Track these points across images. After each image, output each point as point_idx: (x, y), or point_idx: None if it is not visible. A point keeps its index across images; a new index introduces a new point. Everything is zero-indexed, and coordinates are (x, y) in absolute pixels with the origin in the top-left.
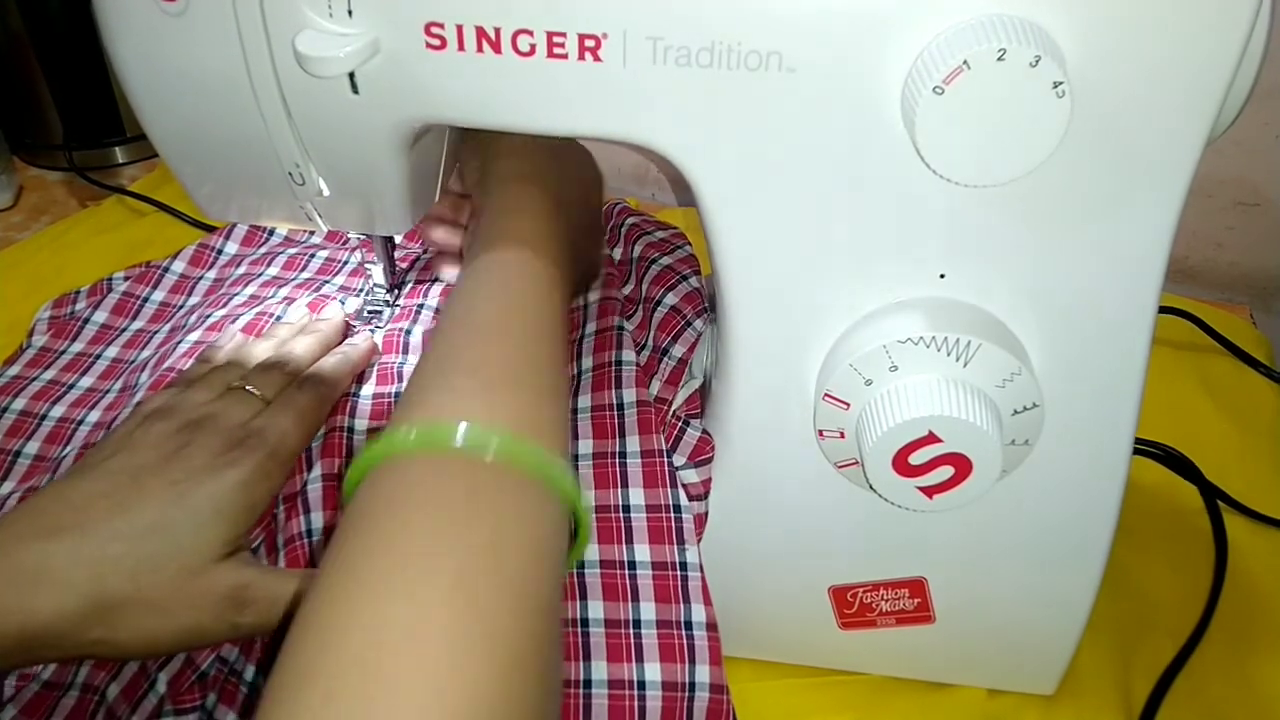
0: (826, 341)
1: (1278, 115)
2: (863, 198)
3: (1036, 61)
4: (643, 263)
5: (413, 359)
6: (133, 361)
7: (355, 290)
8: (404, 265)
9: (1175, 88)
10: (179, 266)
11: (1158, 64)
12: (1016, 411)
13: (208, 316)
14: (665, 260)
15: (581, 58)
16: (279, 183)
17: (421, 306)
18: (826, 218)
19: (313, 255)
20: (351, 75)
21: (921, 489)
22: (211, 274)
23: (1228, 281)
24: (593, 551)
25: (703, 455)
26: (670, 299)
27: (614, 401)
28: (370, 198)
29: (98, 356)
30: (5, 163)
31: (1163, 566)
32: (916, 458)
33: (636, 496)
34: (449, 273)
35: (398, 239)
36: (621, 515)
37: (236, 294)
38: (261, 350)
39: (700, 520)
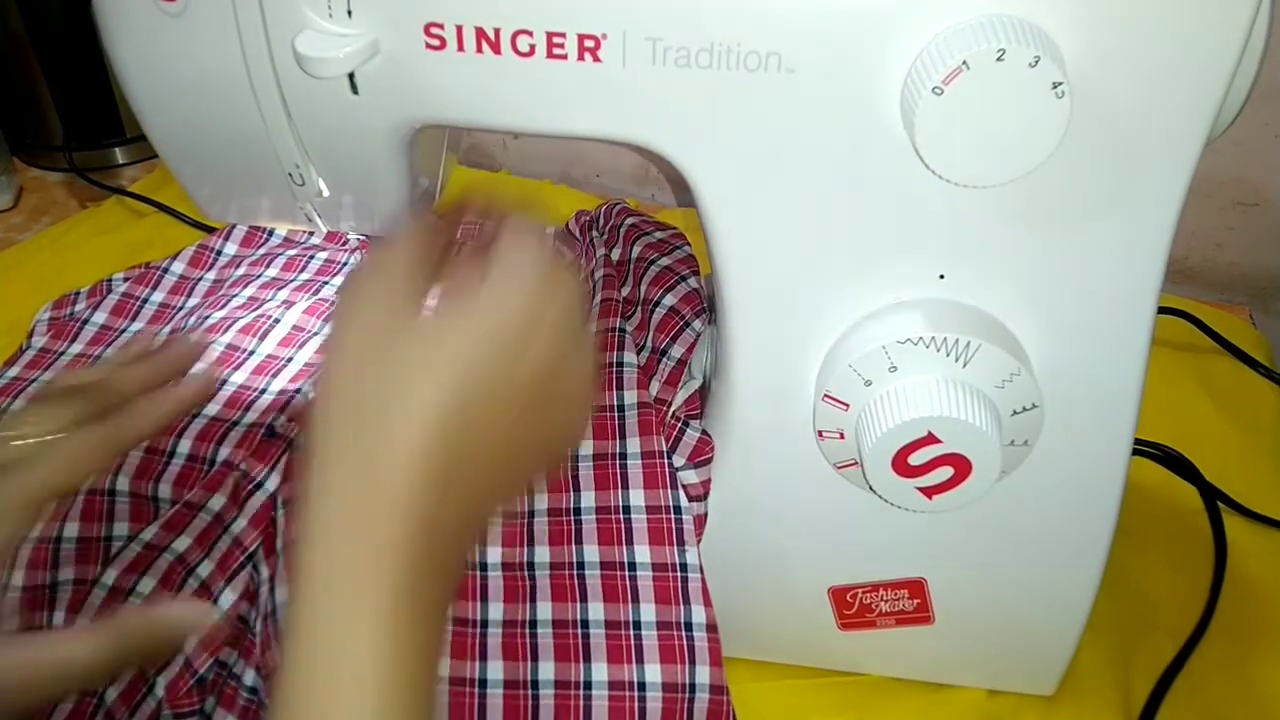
0: (826, 342)
1: (1277, 115)
2: (862, 198)
3: (1036, 62)
4: (641, 263)
5: None
6: None
7: None
8: None
9: (1175, 88)
10: (178, 267)
11: (1157, 64)
12: (1016, 412)
13: (207, 317)
14: (664, 261)
15: (581, 58)
16: (279, 183)
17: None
18: (826, 218)
19: (312, 256)
20: (351, 76)
21: (921, 489)
22: (211, 275)
23: (1227, 282)
24: (593, 553)
25: (702, 456)
26: (669, 300)
27: (615, 403)
28: (370, 198)
29: (97, 358)
30: (5, 164)
31: (1162, 567)
32: (916, 458)
33: (637, 498)
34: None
35: None
36: (622, 516)
37: (236, 295)
38: (76, 380)
39: (700, 521)
